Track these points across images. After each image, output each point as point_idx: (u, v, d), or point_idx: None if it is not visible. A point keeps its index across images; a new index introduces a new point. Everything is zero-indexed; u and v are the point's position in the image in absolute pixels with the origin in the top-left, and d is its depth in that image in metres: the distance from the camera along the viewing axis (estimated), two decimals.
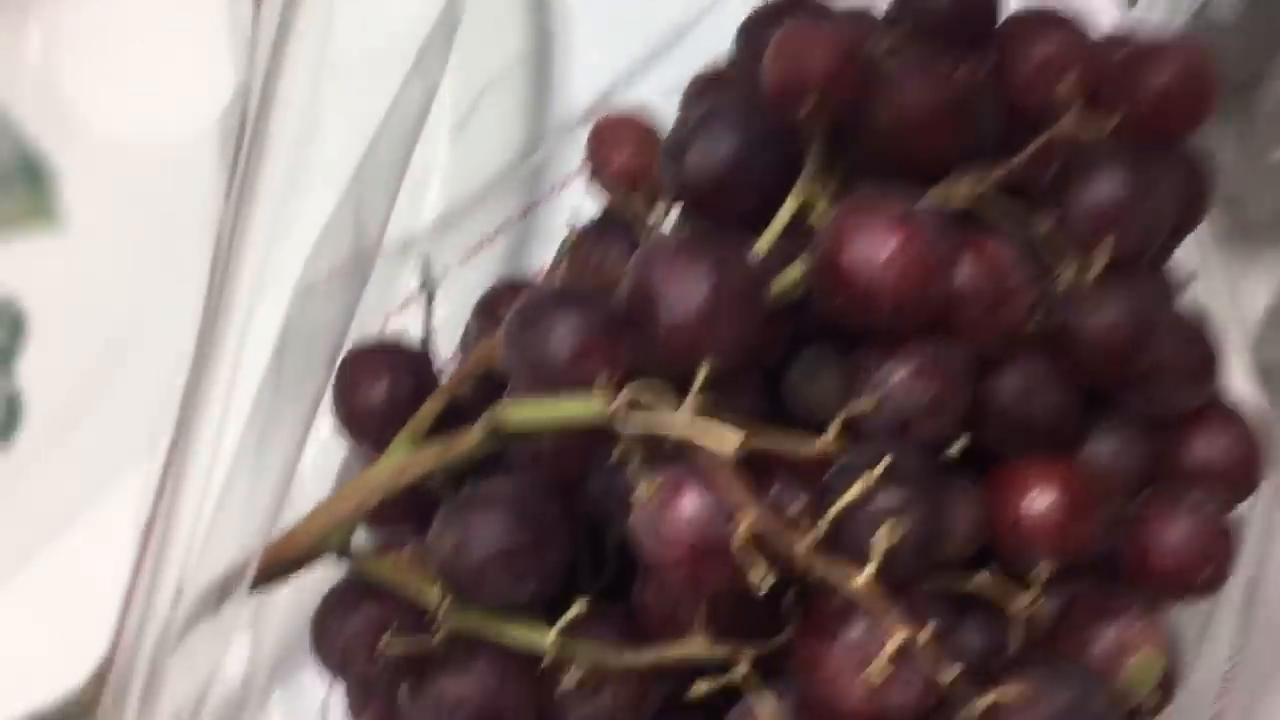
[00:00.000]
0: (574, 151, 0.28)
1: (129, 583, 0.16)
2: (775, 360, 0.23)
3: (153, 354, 0.32)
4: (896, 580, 0.20)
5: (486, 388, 0.23)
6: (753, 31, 0.26)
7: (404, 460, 0.20)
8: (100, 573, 0.19)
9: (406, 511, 0.23)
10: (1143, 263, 0.23)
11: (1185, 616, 0.26)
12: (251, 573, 0.18)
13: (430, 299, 0.24)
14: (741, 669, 0.21)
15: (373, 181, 0.20)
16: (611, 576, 0.23)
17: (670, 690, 0.23)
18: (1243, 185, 0.74)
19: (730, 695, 0.22)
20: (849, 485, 0.20)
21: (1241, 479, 0.25)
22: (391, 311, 0.26)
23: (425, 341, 0.25)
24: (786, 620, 0.22)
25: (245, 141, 0.18)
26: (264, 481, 0.18)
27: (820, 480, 0.21)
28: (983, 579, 0.24)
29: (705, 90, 0.27)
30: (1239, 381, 0.28)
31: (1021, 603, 0.23)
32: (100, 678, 0.16)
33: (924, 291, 0.20)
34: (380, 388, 0.23)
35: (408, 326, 0.25)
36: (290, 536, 0.19)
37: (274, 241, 0.19)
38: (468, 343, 0.25)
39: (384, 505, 0.22)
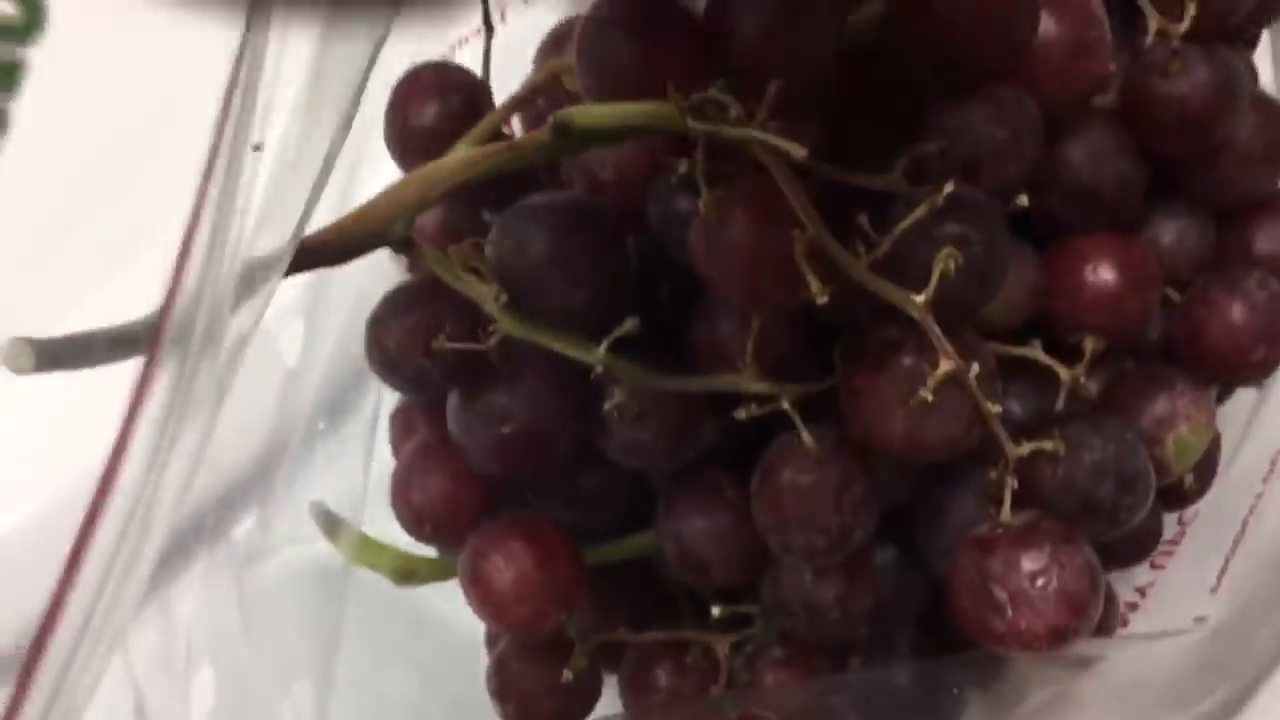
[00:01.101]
0: None
1: (183, 240, 0.16)
2: (843, 104, 0.23)
3: None
4: (952, 315, 0.20)
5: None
6: None
7: (469, 154, 0.19)
8: None
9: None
10: (1229, 31, 0.23)
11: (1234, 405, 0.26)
12: (290, 251, 0.18)
13: (490, 33, 0.24)
14: (785, 403, 0.22)
15: None
16: (669, 327, 0.23)
17: (712, 428, 0.23)
18: None
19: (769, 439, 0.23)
20: (911, 214, 0.20)
21: None
22: (452, 45, 0.26)
23: (485, 74, 0.24)
24: (834, 369, 0.22)
25: None
26: (304, 174, 0.18)
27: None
28: (1035, 347, 0.24)
29: None
30: None
31: (1072, 372, 0.23)
32: (156, 320, 0.16)
33: (1006, 18, 0.20)
34: (434, 106, 0.23)
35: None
36: (356, 216, 0.19)
37: None
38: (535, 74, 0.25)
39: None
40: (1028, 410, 0.24)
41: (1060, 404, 0.24)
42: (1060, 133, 0.23)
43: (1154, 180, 0.25)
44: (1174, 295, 0.25)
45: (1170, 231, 0.25)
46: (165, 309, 0.16)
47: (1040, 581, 0.20)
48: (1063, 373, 0.23)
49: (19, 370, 0.15)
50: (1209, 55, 0.23)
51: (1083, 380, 0.23)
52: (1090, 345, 0.24)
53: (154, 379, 0.14)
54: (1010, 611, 0.20)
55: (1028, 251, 0.24)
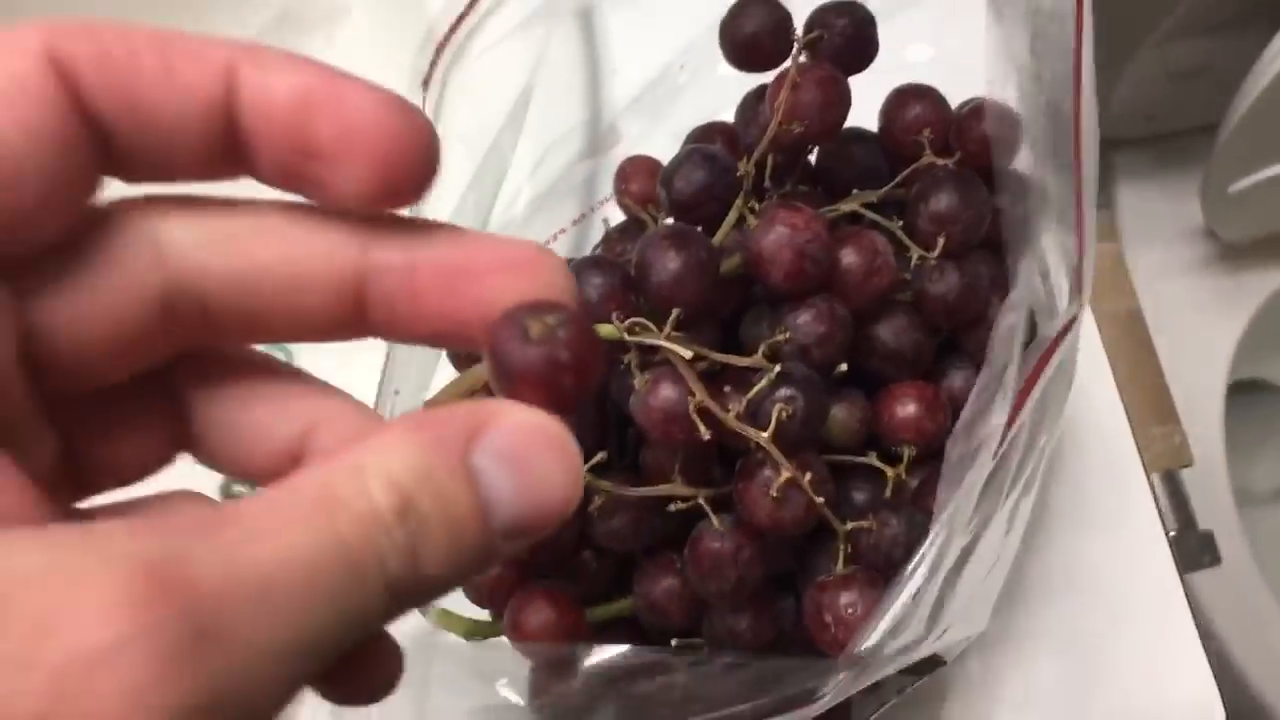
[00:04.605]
0: (608, 180, 0.41)
1: None
2: (726, 314, 0.36)
3: None
4: (791, 444, 0.33)
5: None
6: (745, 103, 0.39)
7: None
8: None
9: None
10: (979, 244, 0.36)
11: None
12: None
13: None
14: (701, 500, 0.34)
15: (479, 190, 0.33)
16: (631, 456, 0.36)
17: (660, 521, 0.36)
18: (1212, 216, 0.85)
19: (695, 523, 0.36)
20: (759, 383, 0.33)
21: None
22: None
23: None
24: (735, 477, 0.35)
25: None
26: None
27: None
28: (870, 456, 0.36)
29: (699, 138, 0.40)
30: None
31: (895, 470, 0.36)
32: None
33: (800, 265, 0.33)
34: None
35: None
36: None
37: None
38: None
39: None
40: (865, 497, 0.36)
41: (889, 493, 0.36)
42: (875, 319, 0.36)
43: (948, 348, 0.38)
44: None
45: (959, 379, 0.38)
46: None
47: (850, 610, 0.33)
48: (888, 471, 0.36)
49: None
50: (960, 266, 0.36)
51: (904, 477, 0.36)
52: (906, 453, 0.36)
53: None
54: (834, 629, 0.33)
55: (859, 395, 0.37)
